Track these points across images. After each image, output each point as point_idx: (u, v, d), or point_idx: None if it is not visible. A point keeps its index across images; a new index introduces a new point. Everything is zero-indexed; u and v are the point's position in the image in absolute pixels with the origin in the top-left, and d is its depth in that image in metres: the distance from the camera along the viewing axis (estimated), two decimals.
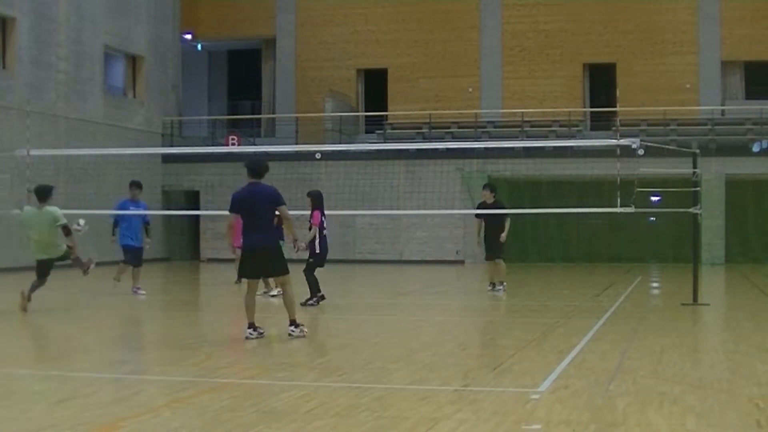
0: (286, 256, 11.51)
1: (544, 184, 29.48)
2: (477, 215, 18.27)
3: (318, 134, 32.31)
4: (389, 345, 10.95)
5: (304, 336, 11.00)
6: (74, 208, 18.26)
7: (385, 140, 31.91)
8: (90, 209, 21.64)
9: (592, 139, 28.02)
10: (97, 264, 15.22)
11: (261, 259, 10.94)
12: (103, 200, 25.68)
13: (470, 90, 34.09)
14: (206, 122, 35.51)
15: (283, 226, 12.49)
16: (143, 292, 17.33)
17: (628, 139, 16.42)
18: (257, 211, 10.85)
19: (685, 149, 18.15)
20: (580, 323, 12.81)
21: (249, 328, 10.89)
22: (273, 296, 16.53)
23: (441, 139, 31.42)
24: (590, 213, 23.84)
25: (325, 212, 15.57)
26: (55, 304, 14.67)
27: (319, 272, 15.20)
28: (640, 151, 16.02)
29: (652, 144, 18.32)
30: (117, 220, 17.58)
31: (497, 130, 32.50)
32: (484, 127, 32.90)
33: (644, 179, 17.47)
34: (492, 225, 17.46)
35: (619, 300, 16.41)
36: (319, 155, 26.63)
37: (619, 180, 16.04)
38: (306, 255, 14.82)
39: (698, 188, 15.77)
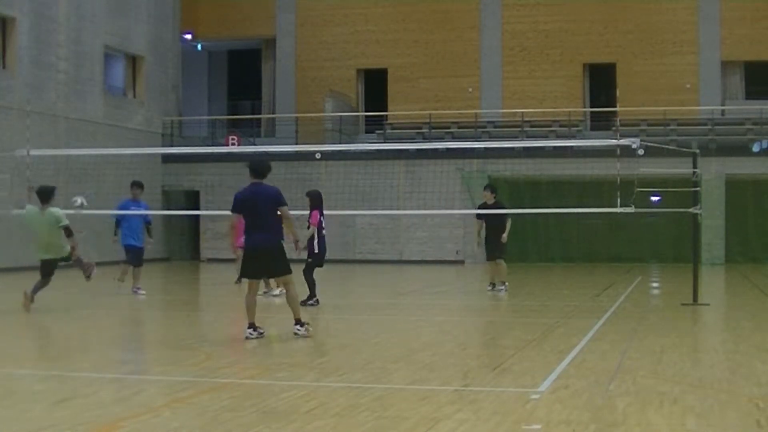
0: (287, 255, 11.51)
1: (544, 184, 29.48)
2: (478, 216, 18.27)
3: (318, 134, 32.31)
4: (389, 345, 10.95)
5: (309, 335, 11.01)
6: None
7: (385, 140, 31.91)
8: (90, 209, 21.64)
9: (592, 139, 28.02)
10: (98, 264, 15.22)
11: (263, 260, 10.95)
12: (103, 200, 25.67)
13: (470, 90, 34.09)
14: (206, 122, 35.51)
15: (283, 226, 12.50)
16: (143, 292, 17.33)
17: (628, 139, 16.42)
18: (259, 211, 10.87)
19: (685, 149, 18.15)
20: (580, 323, 12.81)
21: (249, 328, 10.89)
22: (275, 296, 16.56)
23: (441, 139, 31.42)
24: (590, 213, 23.83)
25: (325, 212, 15.57)
26: (55, 304, 14.67)
27: (318, 272, 15.21)
28: (640, 151, 16.02)
29: (652, 144, 18.32)
30: (119, 220, 17.57)
31: (497, 130, 32.50)
32: (484, 127, 32.90)
33: (644, 179, 17.47)
34: (493, 225, 17.47)
35: (619, 300, 16.41)
36: (319, 155, 26.64)
37: (619, 180, 16.04)
38: (305, 255, 14.81)
39: (698, 188, 15.77)
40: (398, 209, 29.65)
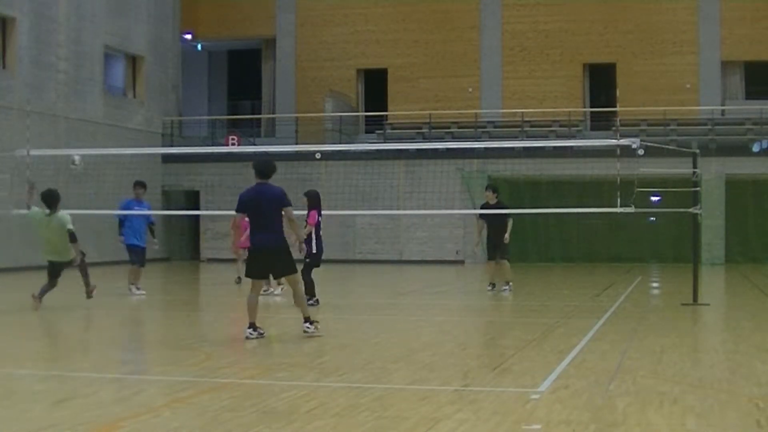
0: None
1: (544, 184, 29.49)
2: (480, 216, 18.26)
3: (318, 134, 32.32)
4: (389, 345, 10.95)
5: (319, 333, 11.01)
6: (74, 208, 18.22)
7: (385, 140, 31.92)
8: (90, 209, 21.66)
9: (592, 139, 28.02)
10: (97, 264, 15.24)
11: (268, 259, 10.98)
12: (103, 200, 25.69)
13: (470, 90, 34.09)
14: (206, 122, 35.52)
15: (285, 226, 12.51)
16: (142, 292, 17.32)
17: (628, 139, 16.42)
18: (264, 211, 10.90)
19: (685, 149, 18.15)
20: (580, 323, 12.80)
21: (249, 327, 10.89)
22: (276, 295, 16.57)
23: (441, 139, 31.43)
24: (590, 213, 23.84)
25: (326, 212, 15.58)
26: (55, 303, 14.67)
27: (318, 272, 15.20)
28: (640, 151, 16.02)
29: (652, 144, 18.32)
30: (122, 220, 17.54)
31: (497, 130, 32.51)
32: (484, 127, 32.91)
33: (644, 179, 17.48)
34: (495, 225, 17.47)
35: (619, 300, 16.40)
36: (319, 155, 26.65)
37: (619, 180, 16.05)
38: (302, 255, 14.81)
39: (698, 188, 15.77)
40: (398, 209, 29.66)
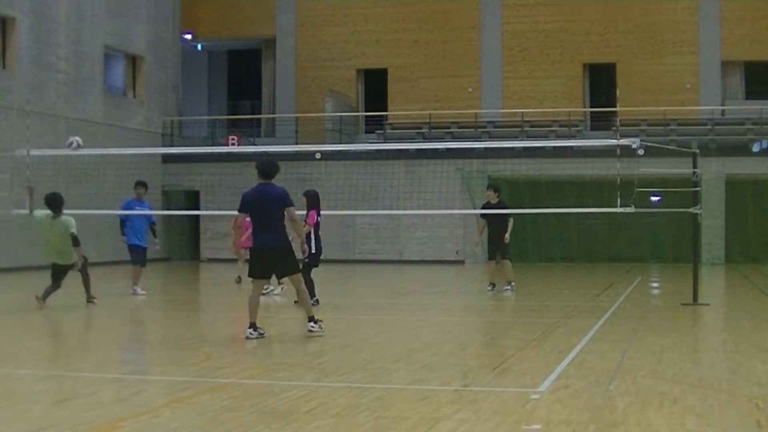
0: None
1: (544, 184, 29.48)
2: (481, 216, 18.26)
3: (318, 134, 32.32)
4: (389, 345, 10.95)
5: (323, 333, 11.01)
6: (74, 208, 18.21)
7: (385, 140, 31.91)
8: (90, 209, 21.65)
9: (592, 139, 28.02)
10: (97, 264, 15.25)
11: (270, 259, 11.00)
12: (103, 200, 25.70)
13: (470, 90, 34.09)
14: (206, 122, 35.52)
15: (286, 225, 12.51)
16: (142, 292, 17.32)
17: (628, 139, 16.41)
18: (266, 211, 10.92)
19: (685, 149, 18.15)
20: (580, 323, 12.81)
21: (250, 327, 10.89)
22: (276, 295, 16.57)
23: (441, 139, 31.42)
24: (590, 213, 23.84)
25: (326, 212, 15.57)
26: (55, 303, 14.66)
27: (318, 272, 15.19)
28: (640, 151, 16.01)
29: (652, 144, 18.32)
30: (123, 220, 17.52)
31: (497, 130, 32.51)
32: (484, 127, 32.90)
33: (644, 179, 17.47)
34: (496, 225, 17.47)
35: (619, 300, 16.40)
36: (319, 155, 26.64)
37: (619, 180, 16.04)
38: (303, 257, 14.81)
39: (698, 188, 15.77)
40: (398, 209, 29.65)
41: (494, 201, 17.67)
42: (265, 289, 16.31)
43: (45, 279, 14.85)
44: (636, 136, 22.06)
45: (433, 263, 29.73)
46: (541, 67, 33.70)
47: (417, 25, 34.70)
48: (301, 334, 11.45)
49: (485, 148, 28.79)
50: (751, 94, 33.16)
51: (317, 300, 14.88)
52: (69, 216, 14.66)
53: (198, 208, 31.19)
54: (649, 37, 33.10)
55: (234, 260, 21.39)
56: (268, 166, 11.19)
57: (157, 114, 32.65)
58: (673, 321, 13.32)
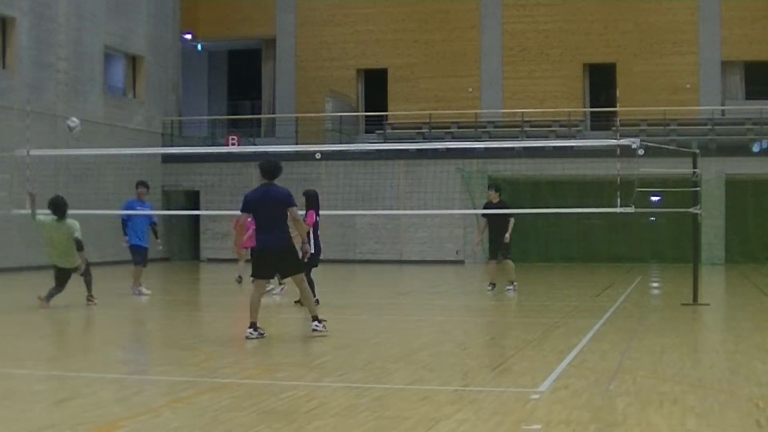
0: None
1: (544, 184, 29.49)
2: (482, 215, 18.27)
3: (318, 134, 32.32)
4: (389, 345, 10.95)
5: (326, 332, 11.01)
6: (74, 208, 18.20)
7: (385, 140, 31.92)
8: (90, 209, 21.65)
9: (592, 139, 28.03)
10: (97, 264, 15.26)
11: (273, 259, 11.03)
12: (104, 200, 25.71)
13: (470, 90, 34.10)
14: (206, 122, 35.52)
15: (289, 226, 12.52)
16: (148, 291, 17.35)
17: (628, 139, 16.42)
18: (269, 211, 10.94)
19: (685, 149, 18.16)
20: (580, 323, 12.81)
21: (250, 327, 10.88)
22: (276, 294, 16.57)
23: (441, 139, 31.42)
24: (590, 213, 23.84)
25: (326, 212, 15.56)
26: (55, 303, 14.67)
27: (318, 272, 15.20)
28: (640, 151, 16.02)
29: (652, 144, 18.33)
30: (125, 220, 17.52)
31: (497, 130, 32.51)
32: (484, 127, 32.90)
33: (644, 179, 17.48)
34: (497, 225, 17.48)
35: (619, 300, 16.40)
36: (319, 155, 26.64)
37: (619, 180, 16.04)
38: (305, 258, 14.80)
39: (698, 188, 15.77)
40: (398, 209, 29.66)
41: (495, 200, 17.68)
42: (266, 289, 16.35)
43: (45, 279, 14.85)
44: (636, 136, 22.09)
45: (433, 263, 29.73)
46: (541, 67, 33.71)
47: (417, 25, 34.70)
48: (301, 334, 11.45)
49: (485, 148, 28.79)
50: (751, 94, 33.17)
51: (317, 300, 14.87)
52: (74, 219, 14.69)
53: (198, 208, 31.19)
54: (649, 37, 33.11)
55: (235, 260, 21.39)
56: (271, 166, 11.21)
57: (157, 114, 32.66)
58: (673, 321, 13.32)
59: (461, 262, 29.90)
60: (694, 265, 15.84)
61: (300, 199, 15.48)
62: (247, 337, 10.80)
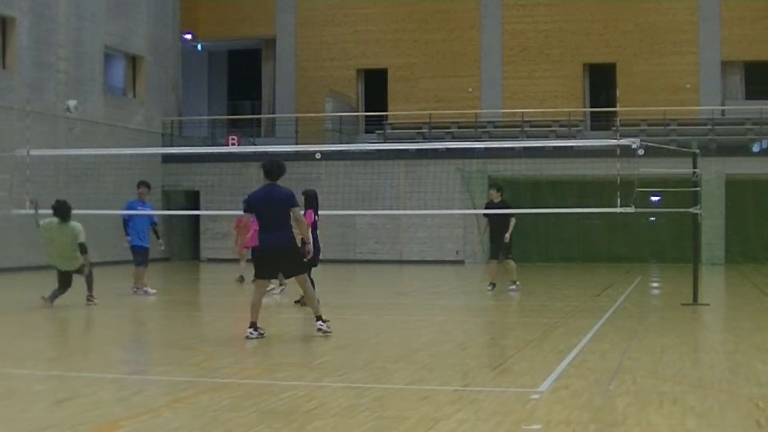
0: None
1: (544, 184, 29.49)
2: (483, 215, 18.27)
3: (318, 134, 32.32)
4: (389, 345, 10.95)
5: (330, 332, 11.01)
6: (74, 208, 18.19)
7: (385, 140, 31.92)
8: (90, 209, 21.65)
9: (592, 139, 28.03)
10: (97, 264, 15.27)
11: (275, 260, 11.05)
12: (104, 200, 25.70)
13: (470, 90, 34.10)
14: (206, 122, 35.52)
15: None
16: (153, 291, 17.37)
17: (628, 139, 16.43)
18: (272, 212, 10.96)
19: (685, 149, 18.15)
20: (580, 323, 12.81)
21: (250, 327, 10.88)
22: (275, 294, 16.57)
23: (441, 139, 31.42)
24: (590, 213, 23.84)
25: (326, 212, 15.56)
26: (56, 303, 14.66)
27: (318, 272, 15.18)
28: (640, 151, 16.02)
29: (652, 144, 18.33)
30: (126, 220, 17.52)
31: (497, 130, 32.51)
32: (484, 127, 32.90)
33: (644, 179, 17.47)
34: (498, 224, 17.50)
35: (619, 300, 16.40)
36: (319, 155, 26.64)
37: (619, 180, 16.04)
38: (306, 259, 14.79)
39: (698, 188, 15.77)
40: (398, 209, 29.66)
41: (497, 200, 17.69)
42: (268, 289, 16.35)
43: (45, 279, 14.86)
44: (636, 136, 22.08)
45: (433, 263, 29.73)
46: (541, 67, 33.71)
47: (417, 25, 34.71)
48: (301, 334, 11.46)
49: (485, 148, 28.79)
50: (751, 94, 33.17)
51: (318, 300, 14.87)
52: (77, 222, 14.71)
53: (198, 208, 31.18)
54: (649, 37, 33.11)
55: (235, 260, 21.39)
56: (274, 167, 11.25)
57: (157, 114, 32.65)
58: (673, 321, 13.33)
59: (461, 262, 29.90)
60: (694, 265, 15.84)
61: (300, 199, 15.50)
62: (247, 337, 10.80)
